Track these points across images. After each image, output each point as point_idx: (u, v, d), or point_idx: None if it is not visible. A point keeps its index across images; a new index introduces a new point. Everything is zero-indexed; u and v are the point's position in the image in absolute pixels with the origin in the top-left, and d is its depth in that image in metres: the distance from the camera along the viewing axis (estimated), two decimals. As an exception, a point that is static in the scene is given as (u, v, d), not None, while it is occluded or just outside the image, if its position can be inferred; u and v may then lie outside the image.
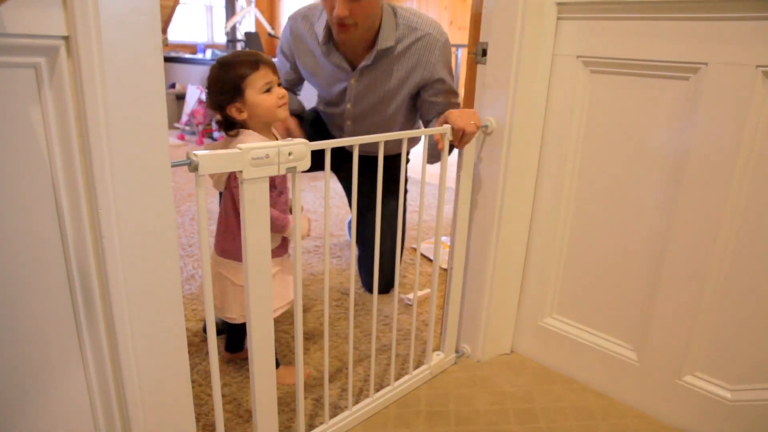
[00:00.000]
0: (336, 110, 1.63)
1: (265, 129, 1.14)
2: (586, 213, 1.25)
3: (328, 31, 1.45)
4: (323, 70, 1.54)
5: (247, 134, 1.12)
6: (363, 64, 1.46)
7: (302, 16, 1.53)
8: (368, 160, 1.76)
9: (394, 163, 1.84)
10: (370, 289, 1.78)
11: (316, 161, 1.87)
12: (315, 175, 3.02)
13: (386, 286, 1.77)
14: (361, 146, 1.65)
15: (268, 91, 1.09)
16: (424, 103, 1.53)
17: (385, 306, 1.70)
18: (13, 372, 0.64)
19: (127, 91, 0.62)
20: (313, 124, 1.76)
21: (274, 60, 1.40)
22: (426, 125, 1.59)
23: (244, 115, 1.10)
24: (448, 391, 1.28)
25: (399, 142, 1.72)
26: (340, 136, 1.70)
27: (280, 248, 1.20)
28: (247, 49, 1.12)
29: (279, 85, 1.12)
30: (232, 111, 1.09)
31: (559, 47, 1.20)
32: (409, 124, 1.67)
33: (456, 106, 1.52)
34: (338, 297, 1.75)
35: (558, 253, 1.32)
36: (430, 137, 1.18)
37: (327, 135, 1.76)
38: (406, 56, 1.46)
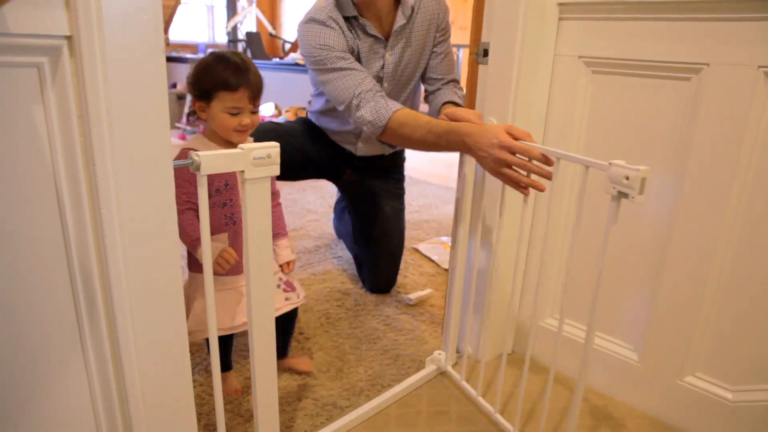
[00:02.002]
0: None
1: (222, 141, 1.11)
2: (586, 213, 1.25)
3: (356, 7, 1.44)
4: (361, 55, 1.51)
5: (194, 139, 1.13)
6: (397, 25, 1.47)
7: (327, 17, 1.43)
8: (372, 161, 1.75)
9: (398, 161, 1.85)
10: (372, 290, 1.78)
11: (307, 169, 1.80)
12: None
13: (388, 286, 1.78)
14: (373, 145, 1.67)
15: (233, 114, 1.07)
16: (431, 56, 1.57)
17: (385, 306, 1.70)
18: (14, 371, 0.64)
19: (129, 90, 0.62)
20: (307, 133, 1.73)
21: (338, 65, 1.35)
22: (431, 88, 1.59)
23: (204, 116, 1.10)
24: (449, 391, 1.28)
25: None
26: (353, 139, 1.67)
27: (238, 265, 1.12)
28: (248, 61, 1.09)
29: (253, 112, 1.09)
30: (196, 106, 1.10)
31: (560, 47, 1.20)
32: (419, 95, 1.69)
33: (451, 55, 1.59)
34: (339, 297, 1.75)
35: (559, 253, 1.32)
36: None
37: (326, 142, 1.72)
38: (423, 7, 1.51)
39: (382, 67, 1.51)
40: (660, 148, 1.11)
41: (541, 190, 0.98)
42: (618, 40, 1.11)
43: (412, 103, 1.68)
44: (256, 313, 0.84)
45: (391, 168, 1.80)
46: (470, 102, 1.28)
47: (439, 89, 1.56)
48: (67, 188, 0.63)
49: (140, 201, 0.66)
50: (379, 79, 1.54)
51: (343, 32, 1.42)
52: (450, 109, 1.21)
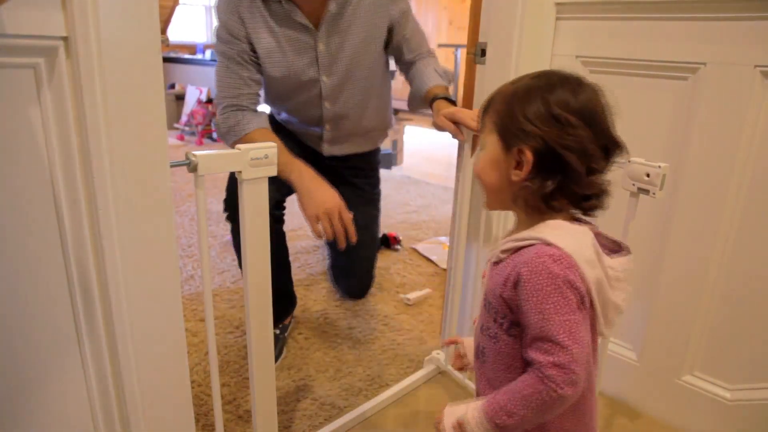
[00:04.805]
0: (308, 95, 1.40)
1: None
2: (585, 213, 1.25)
3: None
4: (283, 43, 1.33)
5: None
6: (328, 14, 1.29)
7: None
8: (343, 160, 1.59)
9: (372, 162, 1.68)
10: (347, 294, 1.73)
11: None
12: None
13: (361, 292, 1.71)
14: (339, 144, 1.55)
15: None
16: (399, 44, 1.42)
17: (384, 306, 1.70)
18: (12, 372, 0.64)
19: (126, 91, 0.62)
20: (278, 135, 1.47)
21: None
22: (406, 68, 1.46)
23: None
24: (448, 390, 1.28)
25: (377, 134, 1.65)
26: (316, 140, 1.53)
27: None
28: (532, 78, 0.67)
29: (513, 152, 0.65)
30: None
31: (558, 47, 1.20)
32: (386, 86, 1.55)
33: (428, 46, 1.47)
34: (337, 297, 1.75)
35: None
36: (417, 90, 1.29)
37: (294, 141, 1.56)
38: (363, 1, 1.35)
39: (316, 59, 1.35)
40: (657, 147, 1.11)
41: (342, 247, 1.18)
42: (615, 40, 1.11)
43: (379, 99, 1.52)
44: (254, 314, 0.84)
45: (364, 170, 1.65)
46: (468, 102, 1.28)
47: (413, 63, 1.43)
48: (64, 189, 0.62)
49: (137, 202, 0.66)
50: (317, 72, 1.36)
51: (256, 9, 1.29)
52: (448, 109, 1.20)
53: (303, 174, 1.21)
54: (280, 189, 1.40)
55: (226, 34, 1.30)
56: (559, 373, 0.56)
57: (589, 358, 0.61)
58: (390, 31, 1.40)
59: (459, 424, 0.63)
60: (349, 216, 1.19)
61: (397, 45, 1.43)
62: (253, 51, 1.31)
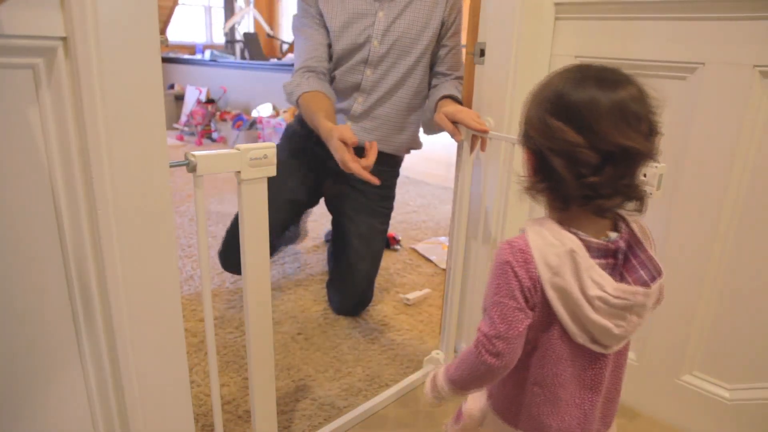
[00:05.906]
0: (354, 59, 1.50)
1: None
2: (584, 213, 1.25)
3: None
4: (349, 6, 1.46)
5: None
6: None
7: None
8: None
9: (388, 174, 1.66)
10: (337, 310, 1.64)
11: (309, 193, 1.75)
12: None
13: (356, 309, 1.64)
14: (363, 129, 1.56)
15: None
16: (438, 51, 1.52)
17: (383, 306, 1.70)
18: (11, 373, 0.64)
19: (125, 91, 0.62)
20: (292, 154, 1.60)
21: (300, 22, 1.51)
22: (433, 79, 1.53)
23: None
24: (447, 391, 1.28)
25: (408, 137, 1.64)
26: (342, 119, 1.55)
27: None
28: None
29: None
30: None
31: (557, 47, 1.20)
32: (423, 101, 1.58)
33: (462, 71, 1.52)
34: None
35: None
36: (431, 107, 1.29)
37: (314, 141, 1.52)
38: None
39: (373, 24, 1.45)
40: (656, 147, 1.11)
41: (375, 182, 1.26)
42: (614, 40, 1.12)
43: (414, 100, 1.54)
44: (253, 313, 0.84)
45: (378, 177, 1.63)
46: (467, 102, 1.28)
47: (441, 82, 1.50)
48: (63, 190, 0.62)
49: (137, 202, 0.66)
50: (368, 38, 1.47)
51: None
52: (449, 108, 1.20)
53: (331, 136, 1.28)
54: (292, 212, 1.66)
55: (300, 4, 1.51)
56: (485, 341, 0.63)
57: (548, 362, 0.65)
58: (440, 27, 1.49)
59: (433, 376, 0.74)
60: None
61: (436, 51, 1.52)
62: (320, 15, 1.49)
